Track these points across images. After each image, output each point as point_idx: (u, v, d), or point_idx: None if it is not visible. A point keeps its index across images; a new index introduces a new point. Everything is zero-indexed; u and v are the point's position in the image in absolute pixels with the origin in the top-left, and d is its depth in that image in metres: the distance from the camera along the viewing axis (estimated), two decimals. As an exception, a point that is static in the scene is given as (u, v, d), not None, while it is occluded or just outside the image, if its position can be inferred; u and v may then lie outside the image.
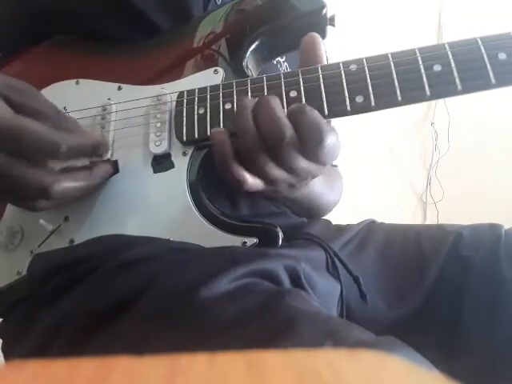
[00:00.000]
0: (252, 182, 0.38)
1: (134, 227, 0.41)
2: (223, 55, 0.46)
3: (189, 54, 0.47)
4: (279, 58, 0.57)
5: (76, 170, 0.39)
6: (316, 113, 0.37)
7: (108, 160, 0.44)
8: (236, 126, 0.38)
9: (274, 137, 0.36)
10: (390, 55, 0.39)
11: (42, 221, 0.42)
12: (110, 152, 0.44)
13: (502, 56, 0.36)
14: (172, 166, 0.43)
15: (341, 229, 0.57)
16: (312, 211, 0.57)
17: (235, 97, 0.41)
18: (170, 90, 0.44)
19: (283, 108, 0.38)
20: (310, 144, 0.36)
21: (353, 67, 0.39)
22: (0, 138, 0.32)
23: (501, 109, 1.63)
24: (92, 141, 0.38)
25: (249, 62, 0.46)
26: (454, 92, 0.37)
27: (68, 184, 0.37)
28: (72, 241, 0.42)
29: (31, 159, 0.34)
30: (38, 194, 0.36)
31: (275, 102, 0.37)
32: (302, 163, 0.37)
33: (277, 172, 0.38)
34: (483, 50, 0.37)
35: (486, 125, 1.76)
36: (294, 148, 0.36)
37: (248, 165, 0.38)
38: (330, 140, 0.36)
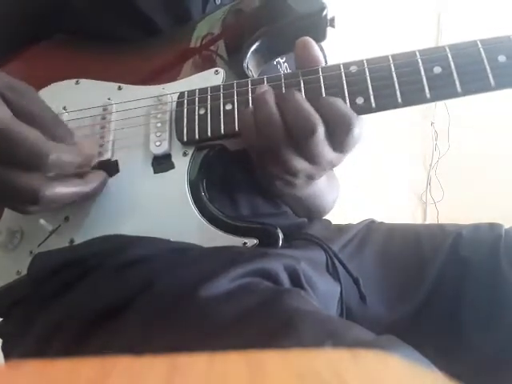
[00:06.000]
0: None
1: (133, 227, 0.41)
2: (223, 56, 0.46)
3: (189, 55, 0.47)
4: (279, 59, 0.57)
5: (69, 176, 0.37)
6: (341, 101, 0.37)
7: (108, 161, 0.43)
8: (258, 119, 0.38)
9: (305, 131, 0.36)
10: (390, 57, 0.39)
11: (41, 221, 0.42)
12: (110, 152, 0.44)
13: (502, 59, 0.36)
14: (172, 166, 0.43)
15: (341, 229, 0.57)
16: (312, 211, 0.57)
17: (236, 97, 0.41)
18: (171, 90, 0.44)
19: None
20: (340, 133, 0.36)
21: (353, 69, 0.39)
22: None
23: (501, 109, 1.63)
24: (81, 156, 0.37)
25: (249, 63, 0.46)
26: (453, 94, 0.37)
27: (59, 190, 0.35)
28: (72, 241, 0.42)
29: (19, 164, 0.33)
30: (27, 199, 0.34)
31: (299, 95, 0.37)
32: (329, 153, 0.37)
33: (302, 164, 0.38)
34: (483, 53, 0.37)
35: (486, 125, 1.76)
36: (325, 140, 0.36)
37: (269, 156, 0.38)
38: (358, 127, 0.36)
